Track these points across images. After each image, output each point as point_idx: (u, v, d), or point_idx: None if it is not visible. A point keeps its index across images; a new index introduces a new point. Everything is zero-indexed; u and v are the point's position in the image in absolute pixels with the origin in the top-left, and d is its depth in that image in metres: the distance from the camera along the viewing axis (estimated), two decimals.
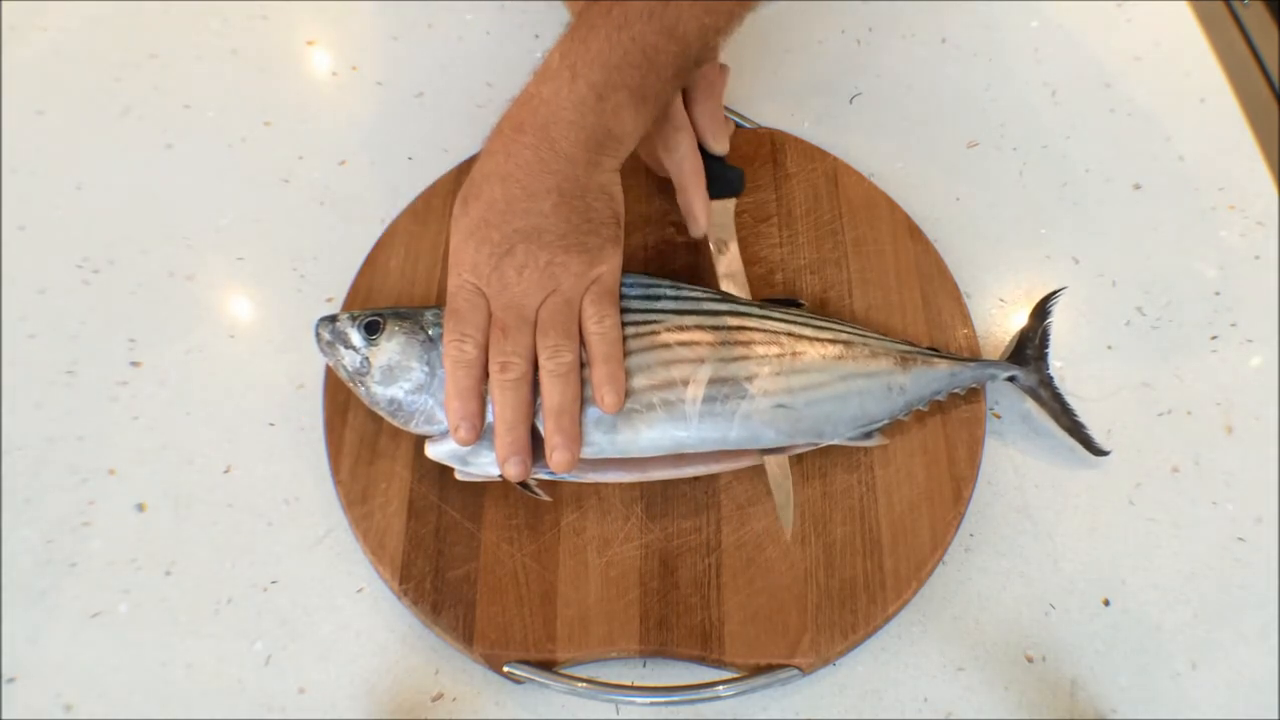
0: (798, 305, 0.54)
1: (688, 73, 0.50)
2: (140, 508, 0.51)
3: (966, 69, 0.69)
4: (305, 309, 0.57)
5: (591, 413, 0.47)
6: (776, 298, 0.55)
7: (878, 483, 0.50)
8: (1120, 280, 0.60)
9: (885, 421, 0.50)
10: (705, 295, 0.52)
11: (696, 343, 0.49)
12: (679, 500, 0.49)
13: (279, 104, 0.66)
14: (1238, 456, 0.54)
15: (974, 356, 0.54)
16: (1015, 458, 0.54)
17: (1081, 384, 0.56)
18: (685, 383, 0.48)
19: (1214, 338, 0.58)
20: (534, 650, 0.46)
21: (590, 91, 0.46)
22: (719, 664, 0.46)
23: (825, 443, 0.50)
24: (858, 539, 0.49)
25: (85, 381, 0.55)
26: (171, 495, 0.51)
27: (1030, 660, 0.48)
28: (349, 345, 0.49)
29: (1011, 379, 0.53)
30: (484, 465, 0.47)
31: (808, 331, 0.50)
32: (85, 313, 0.57)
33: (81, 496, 0.51)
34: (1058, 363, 0.56)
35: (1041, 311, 0.54)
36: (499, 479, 0.47)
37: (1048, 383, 0.53)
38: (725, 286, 0.54)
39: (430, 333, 0.49)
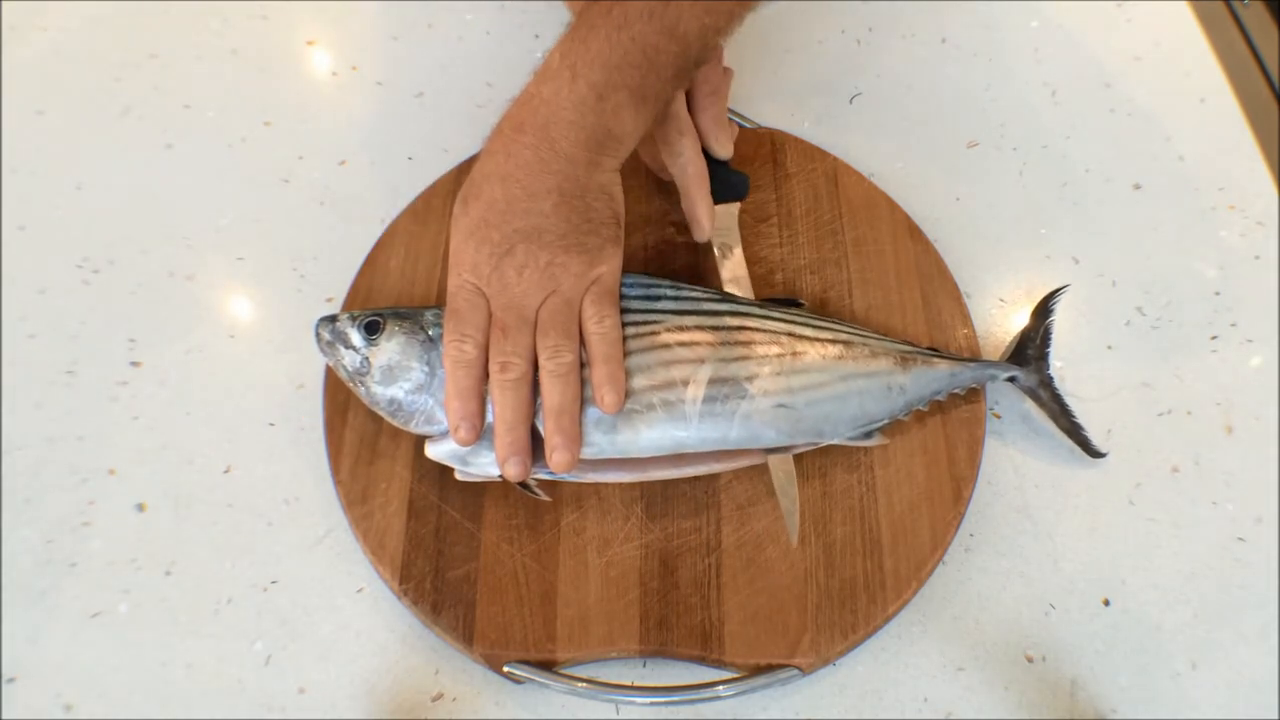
0: (798, 305, 0.54)
1: (688, 73, 0.50)
2: (140, 508, 0.51)
3: (966, 69, 0.69)
4: (305, 309, 0.57)
5: (591, 413, 0.47)
6: (777, 297, 0.55)
7: (878, 483, 0.50)
8: (1120, 280, 0.60)
9: (885, 421, 0.50)
10: (705, 295, 0.52)
11: (696, 343, 0.49)
12: (679, 500, 0.49)
13: (279, 104, 0.66)
14: (1238, 456, 0.54)
15: (974, 357, 0.54)
16: (1015, 458, 0.54)
17: (1081, 384, 0.56)
18: (685, 383, 0.48)
19: (1214, 338, 0.58)
20: (534, 650, 0.46)
21: (590, 91, 0.46)
22: (719, 664, 0.46)
23: (825, 442, 0.50)
24: (858, 539, 0.49)
25: (85, 381, 0.55)
26: (171, 495, 0.51)
27: (1030, 660, 0.48)
28: (349, 345, 0.49)
29: (1012, 379, 0.53)
30: (484, 465, 0.47)
31: (808, 331, 0.50)
32: (85, 313, 0.57)
33: (81, 496, 0.51)
34: (1058, 363, 0.56)
35: (1043, 311, 0.54)
36: (499, 479, 0.47)
37: (1048, 383, 0.53)
38: (729, 291, 0.54)
39: (430, 333, 0.49)
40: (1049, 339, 0.54)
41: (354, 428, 0.51)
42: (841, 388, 0.49)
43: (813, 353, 0.50)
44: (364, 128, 0.65)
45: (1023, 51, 0.70)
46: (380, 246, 0.57)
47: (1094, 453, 0.53)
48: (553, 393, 0.46)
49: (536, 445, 0.47)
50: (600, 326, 0.47)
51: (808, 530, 0.49)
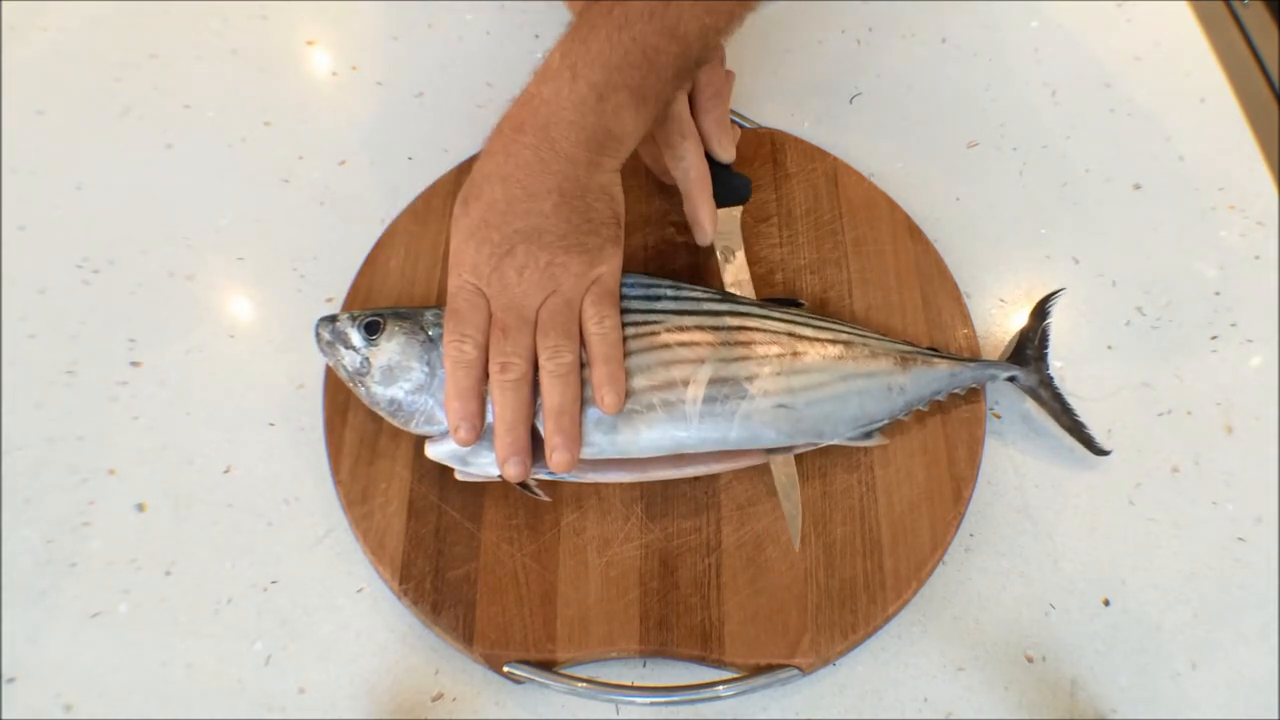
0: (798, 305, 0.54)
1: (689, 73, 0.50)
2: (140, 508, 0.51)
3: (966, 69, 0.69)
4: (305, 309, 0.57)
5: (591, 413, 0.47)
6: (777, 298, 0.55)
7: (878, 483, 0.50)
8: (1120, 280, 0.60)
9: (885, 421, 0.50)
10: (705, 295, 0.52)
11: (696, 343, 0.49)
12: (679, 500, 0.49)
13: (279, 104, 0.66)
14: (1238, 456, 0.54)
15: (974, 356, 0.54)
16: (1015, 458, 0.54)
17: (1081, 384, 0.56)
18: (685, 383, 0.48)
19: (1214, 338, 0.58)
20: (534, 650, 0.46)
21: (591, 92, 0.46)
22: (719, 664, 0.46)
23: (825, 442, 0.50)
24: (858, 539, 0.49)
25: (85, 381, 0.55)
26: (171, 495, 0.51)
27: (1030, 660, 0.48)
28: (349, 345, 0.49)
29: (1011, 379, 0.53)
30: (484, 465, 0.47)
31: (808, 331, 0.50)
32: (85, 313, 0.57)
33: (81, 496, 0.51)
34: (1058, 363, 0.56)
35: (1041, 312, 0.54)
36: (499, 479, 0.47)
37: (1048, 383, 0.53)
38: (730, 291, 0.54)
39: (430, 333, 0.49)
40: (1048, 339, 0.54)
41: (354, 428, 0.51)
42: (841, 388, 0.49)
43: (813, 353, 0.50)
44: (364, 128, 0.65)
45: (1023, 51, 0.70)
46: (380, 246, 0.57)
47: (1097, 450, 0.53)
48: (553, 393, 0.46)
49: (536, 445, 0.47)
50: (600, 327, 0.47)
51: (808, 530, 0.49)
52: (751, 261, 0.56)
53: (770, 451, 0.49)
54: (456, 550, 0.48)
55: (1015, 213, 0.63)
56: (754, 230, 0.58)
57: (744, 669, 0.46)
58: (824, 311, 0.55)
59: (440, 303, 0.50)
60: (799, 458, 0.50)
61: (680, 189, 0.54)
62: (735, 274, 0.55)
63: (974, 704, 0.47)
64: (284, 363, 0.55)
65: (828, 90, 0.68)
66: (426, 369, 0.48)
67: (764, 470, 0.50)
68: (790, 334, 0.50)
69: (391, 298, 0.55)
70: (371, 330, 0.49)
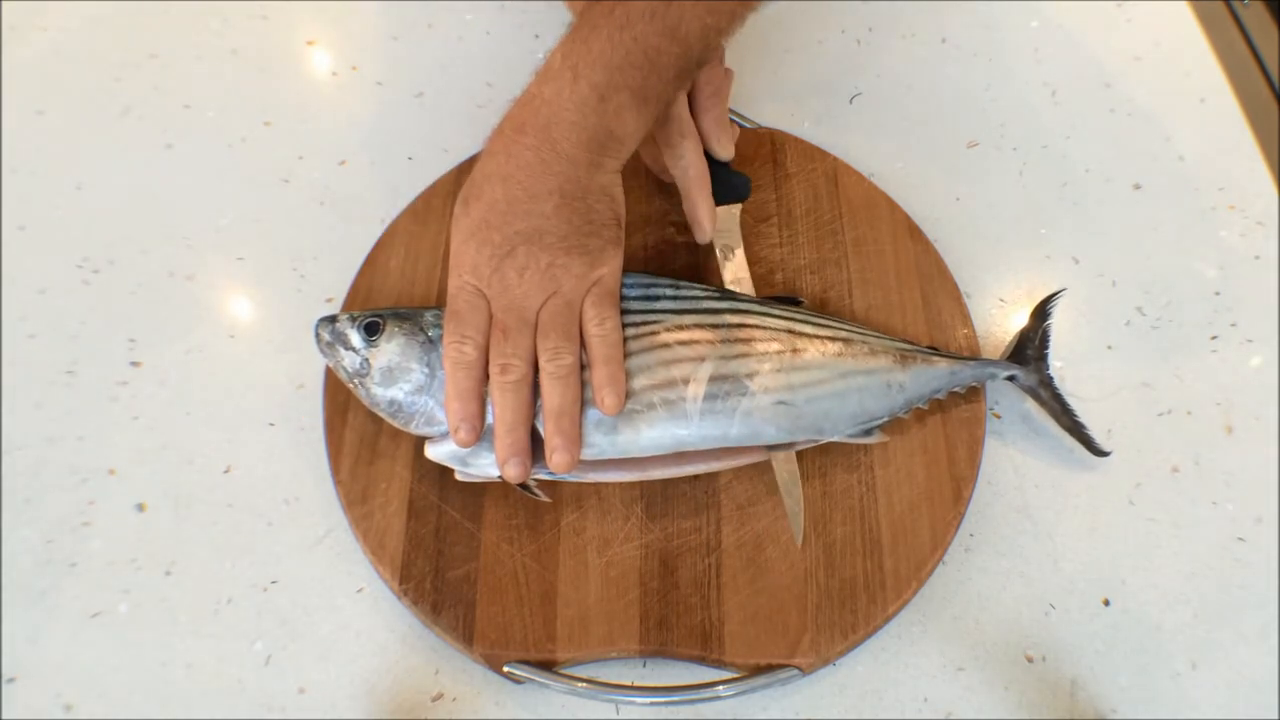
0: (797, 303, 0.54)
1: (690, 74, 0.50)
2: (140, 508, 0.51)
3: (966, 69, 0.69)
4: (305, 309, 0.57)
5: (592, 414, 0.47)
6: (776, 296, 0.55)
7: (878, 483, 0.50)
8: (1120, 280, 0.60)
9: (885, 419, 0.50)
10: (705, 293, 0.52)
11: (696, 341, 0.49)
12: (679, 500, 0.49)
13: (279, 104, 0.66)
14: (1238, 456, 0.54)
15: (974, 355, 0.54)
16: (1015, 458, 0.54)
17: (1081, 384, 0.56)
18: (686, 381, 0.48)
19: (1214, 338, 0.58)
20: (534, 650, 0.46)
21: (592, 92, 0.46)
22: (719, 664, 0.46)
23: (826, 439, 0.50)
24: (858, 539, 0.49)
25: (85, 381, 0.55)
26: (171, 495, 0.51)
27: (1030, 660, 0.48)
28: (349, 346, 0.49)
29: (1011, 378, 0.53)
30: (484, 466, 0.47)
31: (808, 329, 0.50)
32: (85, 313, 0.57)
33: (81, 496, 0.51)
34: (1058, 363, 0.56)
35: (1041, 312, 0.54)
36: (499, 480, 0.47)
37: (1047, 382, 0.53)
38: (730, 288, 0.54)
39: (430, 334, 0.49)
40: (1048, 339, 0.54)
41: (354, 428, 0.51)
42: (841, 385, 0.49)
43: (812, 350, 0.50)
44: (364, 128, 0.65)
45: (1023, 51, 0.70)
46: (380, 246, 0.57)
47: (1097, 451, 0.53)
48: (553, 394, 0.46)
49: (536, 446, 0.47)
50: (601, 328, 0.47)
51: (808, 530, 0.49)
52: (751, 261, 0.56)
53: (771, 448, 0.49)
54: (456, 550, 0.48)
55: (1015, 213, 0.63)
56: (754, 230, 0.58)
57: (744, 669, 0.46)
58: (824, 311, 0.55)
59: (440, 303, 0.50)
60: (799, 456, 0.50)
61: (679, 187, 0.54)
62: (735, 271, 0.55)
63: (974, 704, 0.47)
64: (284, 363, 0.55)
65: (828, 90, 0.68)
66: (426, 370, 0.48)
67: (764, 470, 0.50)
68: (790, 331, 0.50)
69: (391, 298, 0.55)
70: (371, 331, 0.49)
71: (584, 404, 0.47)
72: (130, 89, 0.66)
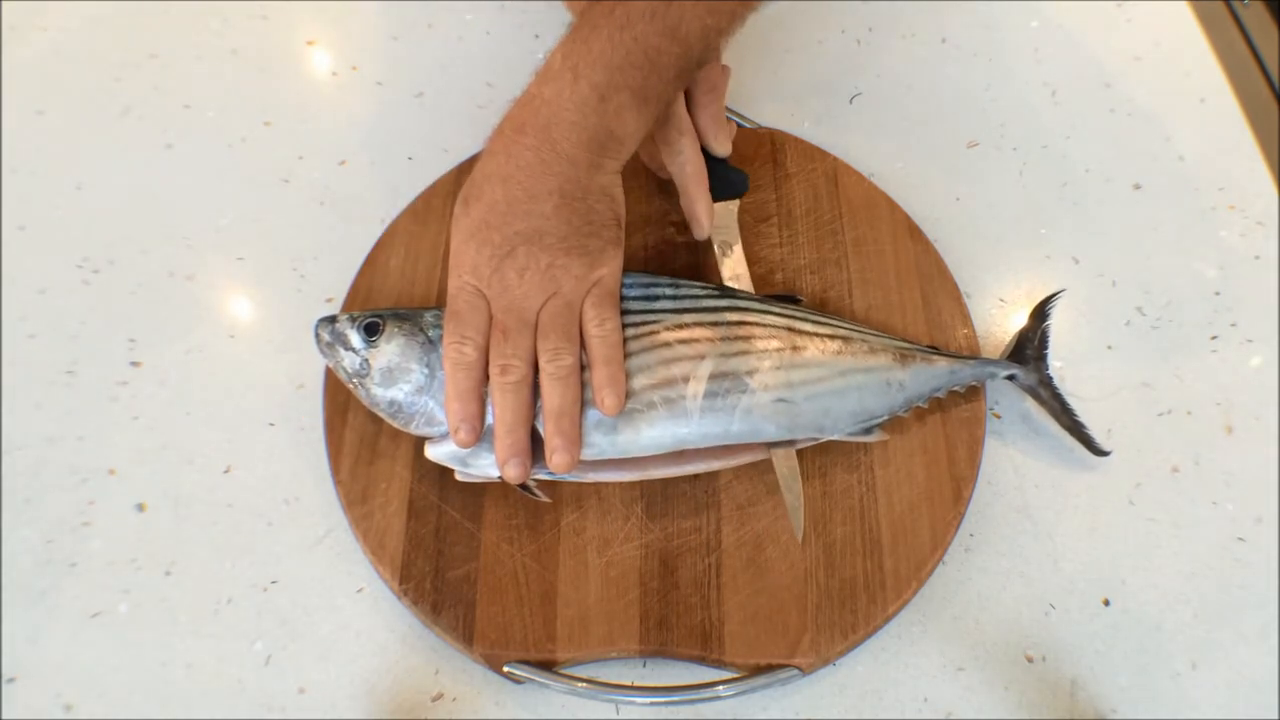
0: (796, 301, 0.54)
1: (690, 74, 0.50)
2: (140, 508, 0.51)
3: (966, 69, 0.69)
4: (305, 309, 0.57)
5: (592, 414, 0.47)
6: (774, 294, 0.55)
7: (878, 483, 0.50)
8: (1120, 280, 0.60)
9: (885, 417, 0.50)
10: (705, 292, 0.52)
11: (696, 340, 0.49)
12: (679, 500, 0.49)
13: (279, 104, 0.66)
14: (1238, 456, 0.54)
15: (974, 355, 0.54)
16: (1015, 458, 0.54)
17: (1081, 384, 0.56)
18: (685, 380, 0.48)
19: (1214, 338, 0.58)
20: (534, 650, 0.46)
21: (592, 92, 0.46)
22: (719, 664, 0.46)
23: (826, 438, 0.50)
24: (858, 539, 0.49)
25: (85, 381, 0.55)
26: (171, 495, 0.51)
27: (1030, 660, 0.48)
28: (348, 347, 0.49)
29: (1011, 378, 0.53)
30: (484, 467, 0.47)
31: (807, 326, 0.50)
32: (85, 313, 0.57)
33: (81, 496, 0.51)
34: (1058, 363, 0.56)
35: (1040, 313, 0.54)
36: (499, 480, 0.47)
37: (1047, 382, 0.53)
38: (729, 285, 0.54)
39: (430, 334, 0.49)
40: (1047, 339, 0.54)
41: (354, 428, 0.51)
42: (840, 383, 0.49)
43: (812, 348, 0.50)
44: (364, 128, 0.65)
45: (1023, 51, 0.70)
46: (380, 246, 0.57)
47: (1097, 450, 0.53)
48: (553, 395, 0.46)
49: (536, 446, 0.47)
50: (601, 329, 0.47)
51: (808, 530, 0.49)
52: (751, 261, 0.56)
53: (771, 446, 0.49)
54: (456, 550, 0.48)
55: (1015, 213, 0.63)
56: (754, 230, 0.58)
57: (744, 669, 0.46)
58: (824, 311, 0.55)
59: (440, 303, 0.50)
60: (799, 455, 0.50)
61: (677, 184, 0.54)
62: (733, 267, 0.55)
63: (974, 704, 0.47)
64: (284, 363, 0.55)
65: (828, 90, 0.68)
66: (426, 371, 0.48)
67: (764, 470, 0.50)
68: (790, 329, 0.50)
69: (391, 298, 0.55)
70: (371, 332, 0.49)
71: (584, 404, 0.47)
72: (130, 89, 0.66)
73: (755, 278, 0.56)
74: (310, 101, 0.66)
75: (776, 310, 0.51)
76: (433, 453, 0.48)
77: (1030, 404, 0.55)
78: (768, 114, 0.65)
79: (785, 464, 0.49)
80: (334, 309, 0.57)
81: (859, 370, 0.50)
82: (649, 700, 0.46)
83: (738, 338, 0.49)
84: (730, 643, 0.46)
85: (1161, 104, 0.67)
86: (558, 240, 0.47)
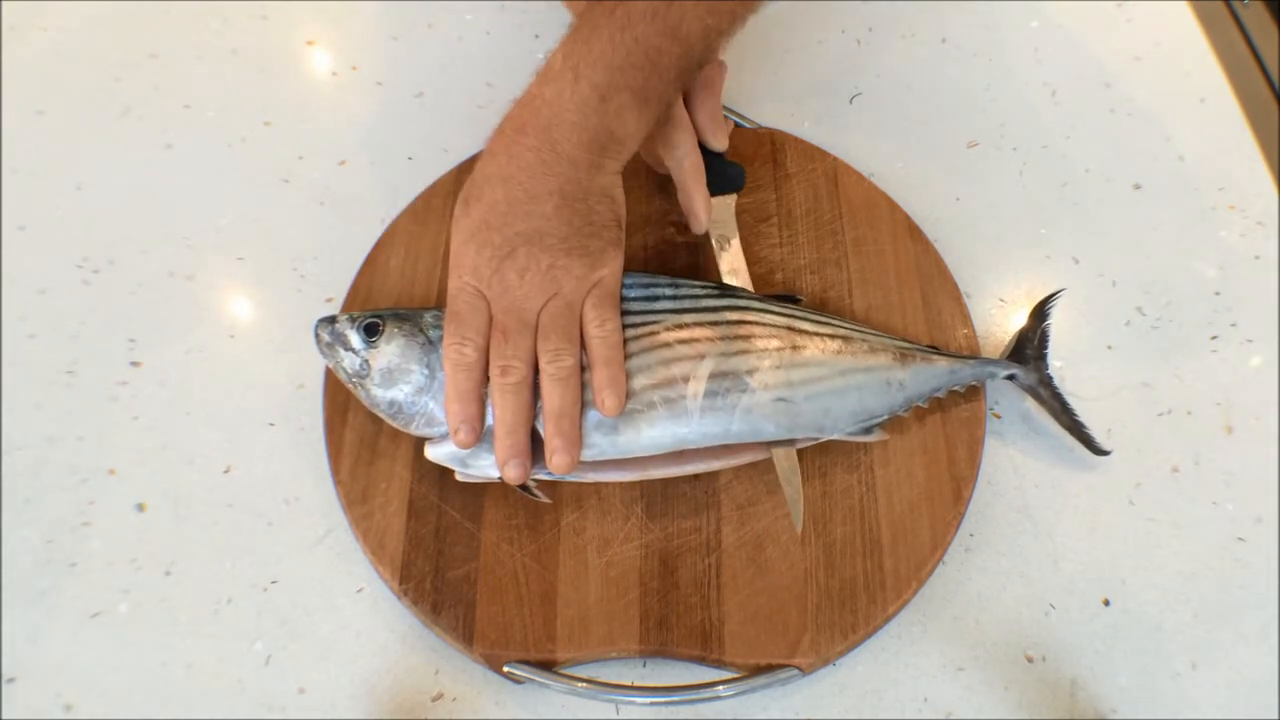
0: (795, 301, 0.54)
1: (690, 74, 0.50)
2: (140, 508, 0.51)
3: (966, 69, 0.69)
4: (305, 309, 0.57)
5: (592, 415, 0.47)
6: (774, 294, 0.55)
7: (878, 483, 0.50)
8: (1120, 280, 0.60)
9: (885, 417, 0.50)
10: (705, 291, 0.52)
11: (697, 339, 0.49)
12: (679, 500, 0.49)
13: (279, 104, 0.66)
14: (1238, 456, 0.54)
15: (974, 355, 0.54)
16: (1015, 458, 0.54)
17: (1081, 384, 0.56)
18: (685, 380, 0.48)
19: (1214, 338, 0.58)
20: (534, 650, 0.46)
21: (593, 93, 0.46)
22: (719, 664, 0.46)
23: (826, 437, 0.50)
24: (858, 539, 0.49)
25: (85, 381, 0.55)
26: (171, 495, 0.51)
27: (1030, 660, 0.48)
28: (348, 347, 0.49)
29: (1011, 377, 0.53)
30: (484, 467, 0.47)
31: (807, 326, 0.50)
32: (85, 313, 0.57)
33: (81, 496, 0.51)
34: (1058, 363, 0.56)
35: (1040, 313, 0.54)
36: (499, 480, 0.47)
37: (1047, 382, 0.53)
38: (729, 282, 0.54)
39: (430, 335, 0.49)
40: (1047, 339, 0.54)
41: (354, 428, 0.51)
42: (840, 382, 0.49)
43: (812, 347, 0.50)
44: (364, 128, 0.65)
45: (1023, 51, 0.70)
46: (380, 246, 0.57)
47: (1097, 450, 0.53)
48: (553, 396, 0.46)
49: (536, 447, 0.47)
50: (601, 330, 0.47)
51: (808, 530, 0.49)
52: (751, 261, 0.56)
53: (775, 444, 0.49)
54: (456, 550, 0.48)
55: (1015, 213, 0.63)
56: (754, 230, 0.58)
57: (744, 669, 0.46)
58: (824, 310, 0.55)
59: (440, 303, 0.50)
60: (799, 454, 0.50)
61: (674, 179, 0.54)
62: (731, 261, 0.55)
63: (974, 704, 0.47)
64: (284, 363, 0.55)
65: (828, 90, 0.68)
66: (426, 371, 0.48)
67: (764, 470, 0.50)
68: (790, 328, 0.50)
69: (391, 298, 0.55)
70: (371, 332, 0.49)
71: (584, 405, 0.47)
72: (130, 89, 0.66)
73: (755, 278, 0.56)
74: (310, 101, 0.66)
75: (776, 310, 0.51)
76: (432, 453, 0.48)
77: (1030, 404, 0.55)
78: (768, 114, 0.65)
79: (785, 458, 0.49)
80: (334, 309, 0.57)
81: (859, 370, 0.50)
82: (649, 700, 0.46)
83: (738, 337, 0.49)
84: (730, 643, 0.46)
85: (1161, 104, 0.67)
86: (558, 241, 0.47)
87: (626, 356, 0.48)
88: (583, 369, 0.47)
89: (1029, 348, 0.54)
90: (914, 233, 0.59)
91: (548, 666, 0.46)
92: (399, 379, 0.48)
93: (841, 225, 0.59)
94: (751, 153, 0.61)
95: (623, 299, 0.50)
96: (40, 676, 0.47)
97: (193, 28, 0.69)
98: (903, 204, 0.60)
